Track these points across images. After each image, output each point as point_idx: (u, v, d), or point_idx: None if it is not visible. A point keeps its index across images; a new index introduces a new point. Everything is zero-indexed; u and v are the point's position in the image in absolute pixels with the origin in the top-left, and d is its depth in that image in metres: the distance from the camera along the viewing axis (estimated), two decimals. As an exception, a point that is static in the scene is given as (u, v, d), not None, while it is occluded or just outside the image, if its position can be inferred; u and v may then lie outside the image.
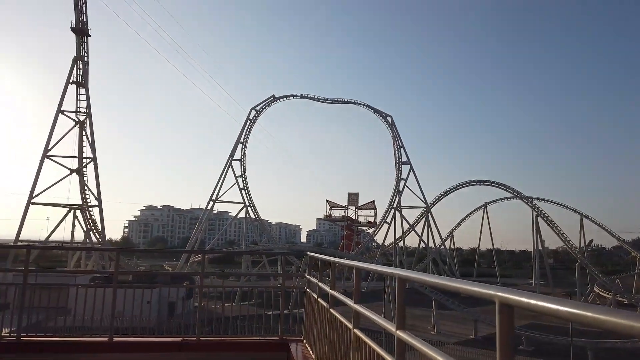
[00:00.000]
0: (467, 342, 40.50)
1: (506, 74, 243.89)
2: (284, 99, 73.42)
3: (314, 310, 6.41)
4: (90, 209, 55.95)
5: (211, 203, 68.25)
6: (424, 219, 73.25)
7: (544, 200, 74.36)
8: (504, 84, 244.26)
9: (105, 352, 6.80)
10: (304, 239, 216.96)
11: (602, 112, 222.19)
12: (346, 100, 75.67)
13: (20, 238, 50.44)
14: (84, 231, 56.07)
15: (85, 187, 55.56)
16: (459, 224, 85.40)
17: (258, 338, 7.56)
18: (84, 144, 55.82)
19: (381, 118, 75.59)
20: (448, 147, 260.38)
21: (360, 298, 4.25)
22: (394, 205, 72.06)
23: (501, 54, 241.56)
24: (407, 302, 3.10)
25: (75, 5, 53.27)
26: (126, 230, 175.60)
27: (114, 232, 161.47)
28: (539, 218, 72.21)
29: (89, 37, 55.75)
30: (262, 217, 74.28)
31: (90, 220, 55.99)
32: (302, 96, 74.48)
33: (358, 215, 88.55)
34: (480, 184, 76.23)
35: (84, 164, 55.59)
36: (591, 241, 75.61)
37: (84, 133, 55.79)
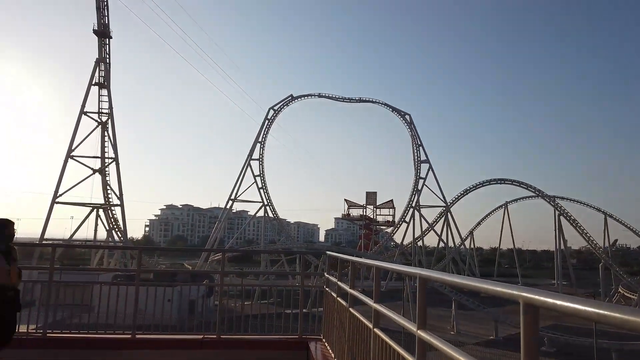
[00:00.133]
0: (487, 342, 40.02)
1: (526, 70, 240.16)
2: (302, 98, 73.52)
3: (333, 310, 6.41)
4: (112, 208, 57.00)
5: (230, 202, 68.78)
6: (443, 218, 72.58)
7: (567, 199, 73.00)
8: (525, 80, 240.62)
9: (129, 348, 6.91)
10: (322, 238, 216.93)
11: (626, 109, 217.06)
12: (364, 99, 75.42)
13: (45, 236, 51.60)
14: (106, 230, 57.15)
15: (108, 187, 56.62)
16: (479, 223, 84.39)
17: (278, 337, 7.59)
18: (106, 144, 56.92)
19: (399, 116, 75.13)
20: (468, 145, 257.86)
21: (380, 297, 4.23)
22: (413, 205, 71.55)
23: (519, 49, 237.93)
24: (427, 302, 3.08)
25: (97, 8, 54.26)
26: (147, 229, 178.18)
27: (136, 231, 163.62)
28: (561, 217, 70.89)
29: (110, 40, 56.77)
30: (281, 216, 74.60)
31: (112, 219, 57.04)
32: (319, 95, 74.51)
33: (376, 215, 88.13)
34: (500, 183, 75.20)
35: (106, 164, 56.64)
36: (616, 241, 73.98)
37: (106, 134, 56.83)
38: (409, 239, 73.19)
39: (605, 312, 1.28)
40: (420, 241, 73.70)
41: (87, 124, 55.84)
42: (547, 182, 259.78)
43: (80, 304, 8.26)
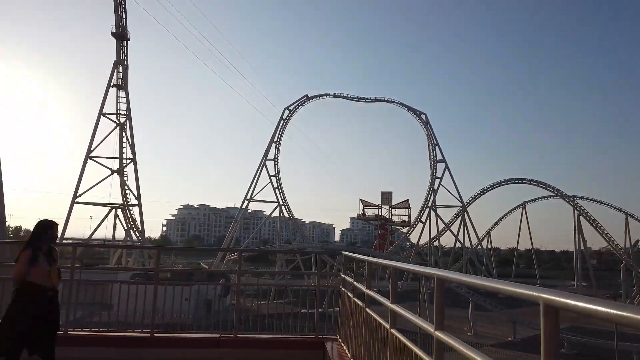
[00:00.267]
0: (505, 344, 39.53)
1: (543, 68, 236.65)
2: (317, 98, 73.55)
3: (349, 310, 6.41)
4: (130, 208, 57.78)
5: (246, 202, 69.15)
6: (459, 218, 71.93)
7: (587, 199, 71.76)
8: (543, 77, 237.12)
9: (148, 347, 6.99)
10: (337, 238, 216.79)
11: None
12: (379, 98, 75.13)
13: (65, 236, 52.52)
14: (124, 229, 57.96)
15: (126, 187, 57.40)
16: (496, 224, 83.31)
17: (294, 336, 7.61)
18: (124, 145, 57.71)
19: (415, 116, 74.66)
20: (484, 144, 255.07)
21: (396, 298, 4.22)
22: (429, 204, 71.06)
23: (534, 46, 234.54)
24: (444, 303, 3.07)
25: (116, 10, 55.04)
26: (164, 228, 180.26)
27: (153, 230, 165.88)
28: (581, 217, 69.71)
29: (128, 42, 57.56)
30: (296, 216, 74.68)
31: (130, 219, 57.82)
32: (335, 95, 74.43)
33: (392, 215, 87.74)
34: (518, 182, 74.27)
35: (124, 165, 57.42)
36: (637, 241, 72.15)
37: (124, 134, 57.63)
38: (425, 239, 72.79)
39: (627, 314, 1.26)
40: (437, 241, 73.18)
41: (106, 125, 56.77)
42: (566, 181, 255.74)
43: (100, 303, 8.39)
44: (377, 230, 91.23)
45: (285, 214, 68.92)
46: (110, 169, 56.40)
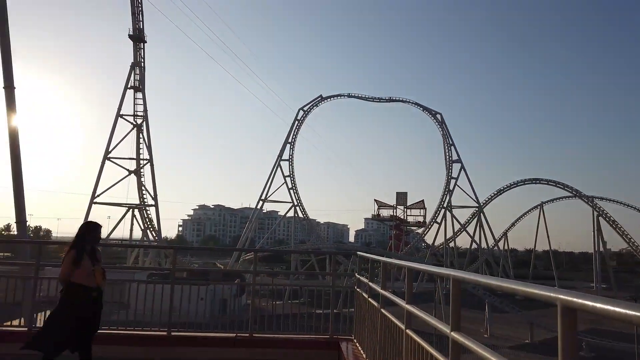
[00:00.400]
0: (522, 346, 39.06)
1: (560, 66, 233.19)
2: (332, 98, 73.57)
3: (364, 310, 6.41)
4: (147, 208, 58.48)
5: (261, 202, 69.44)
6: (476, 218, 71.25)
7: (606, 199, 70.54)
8: (560, 76, 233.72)
9: (164, 345, 7.08)
10: (351, 238, 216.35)
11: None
12: (394, 98, 74.81)
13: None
14: (141, 229, 58.66)
15: (143, 188, 58.08)
16: (513, 224, 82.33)
17: (309, 336, 7.63)
18: (141, 146, 58.41)
19: (430, 116, 74.17)
20: (501, 144, 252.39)
21: (412, 299, 4.21)
22: (444, 205, 70.55)
23: (551, 48, 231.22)
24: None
25: (133, 13, 55.75)
26: (180, 228, 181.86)
27: (169, 230, 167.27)
28: (600, 218, 68.55)
29: (145, 44, 58.25)
30: (310, 217, 74.78)
31: (147, 219, 58.51)
32: (349, 95, 74.35)
33: (407, 215, 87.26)
34: (535, 183, 73.36)
35: (141, 165, 58.10)
36: (659, 243, 70.75)
37: (141, 136, 58.33)
38: (440, 240, 72.31)
39: (647, 315, 1.24)
40: (452, 242, 72.61)
41: (123, 126, 57.54)
42: (586, 181, 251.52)
43: (117, 302, 8.50)
44: (391, 230, 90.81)
45: (300, 215, 69.06)
46: (127, 170, 57.13)
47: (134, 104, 58.39)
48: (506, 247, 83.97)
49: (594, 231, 69.55)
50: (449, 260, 69.10)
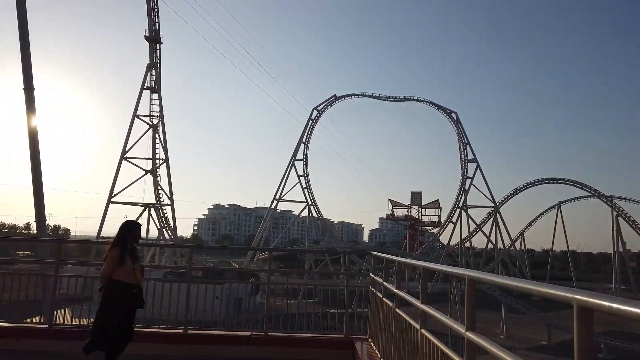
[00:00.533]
0: (539, 348, 38.58)
1: (578, 64, 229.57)
2: (346, 98, 73.46)
3: (379, 310, 6.41)
4: (163, 207, 59.06)
5: (275, 202, 69.67)
6: (492, 218, 70.48)
7: (625, 199, 69.24)
8: (578, 74, 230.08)
9: (181, 343, 7.17)
10: (366, 238, 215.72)
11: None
12: (409, 97, 74.42)
13: (101, 234, 54.14)
14: (157, 228, 59.29)
15: (159, 187, 58.68)
16: (530, 224, 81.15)
17: (323, 335, 7.66)
18: (157, 146, 59.02)
19: (445, 115, 73.58)
20: (517, 143, 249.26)
21: (427, 299, 4.20)
22: (460, 205, 69.94)
23: (565, 46, 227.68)
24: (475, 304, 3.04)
25: (149, 15, 56.35)
26: (196, 227, 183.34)
27: (185, 229, 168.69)
28: (619, 218, 67.34)
29: (161, 45, 58.86)
30: (325, 216, 74.78)
31: (163, 218, 59.11)
32: (363, 95, 74.15)
33: (421, 215, 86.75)
34: (553, 182, 72.32)
35: (157, 165, 58.71)
36: (680, 243, 69.43)
37: (157, 136, 58.94)
38: (455, 240, 71.69)
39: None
40: (468, 242, 71.95)
41: (140, 126, 58.17)
42: (605, 181, 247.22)
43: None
44: (406, 230, 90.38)
45: (314, 214, 69.12)
46: (143, 170, 57.72)
47: (150, 104, 59.03)
48: (523, 248, 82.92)
49: (613, 231, 68.36)
50: (464, 261, 68.48)
